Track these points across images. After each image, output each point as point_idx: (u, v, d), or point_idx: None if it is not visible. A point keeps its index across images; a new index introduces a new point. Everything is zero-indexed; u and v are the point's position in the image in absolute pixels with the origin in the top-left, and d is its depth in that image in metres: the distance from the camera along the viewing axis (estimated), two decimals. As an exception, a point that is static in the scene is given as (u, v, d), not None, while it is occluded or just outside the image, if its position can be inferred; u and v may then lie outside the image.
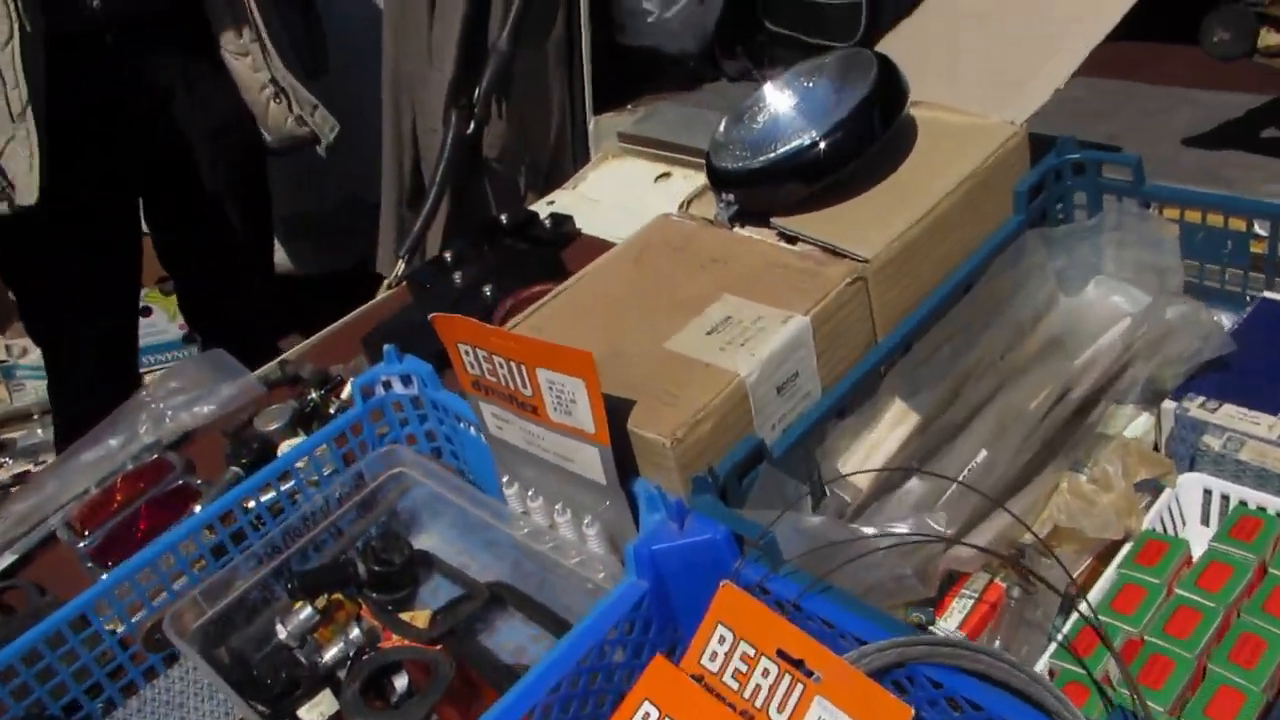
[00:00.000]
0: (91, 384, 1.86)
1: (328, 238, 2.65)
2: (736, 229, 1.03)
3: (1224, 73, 1.47)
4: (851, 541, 0.72)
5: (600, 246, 1.45)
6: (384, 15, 1.71)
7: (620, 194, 1.56)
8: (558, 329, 0.96)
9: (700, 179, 1.57)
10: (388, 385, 1.05)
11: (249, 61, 1.71)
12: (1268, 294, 0.99)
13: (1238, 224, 1.00)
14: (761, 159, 0.99)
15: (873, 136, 0.97)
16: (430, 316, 0.85)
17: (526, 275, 1.36)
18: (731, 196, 1.02)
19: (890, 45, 1.22)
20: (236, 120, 1.79)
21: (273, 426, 1.19)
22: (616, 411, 0.81)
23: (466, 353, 0.85)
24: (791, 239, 0.99)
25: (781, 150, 0.98)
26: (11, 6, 1.44)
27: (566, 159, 1.65)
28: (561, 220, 1.46)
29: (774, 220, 1.00)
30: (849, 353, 0.93)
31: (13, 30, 1.45)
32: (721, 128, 1.07)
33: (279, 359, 1.34)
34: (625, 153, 1.66)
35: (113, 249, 1.85)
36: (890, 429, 0.92)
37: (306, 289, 2.54)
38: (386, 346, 1.03)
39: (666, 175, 1.57)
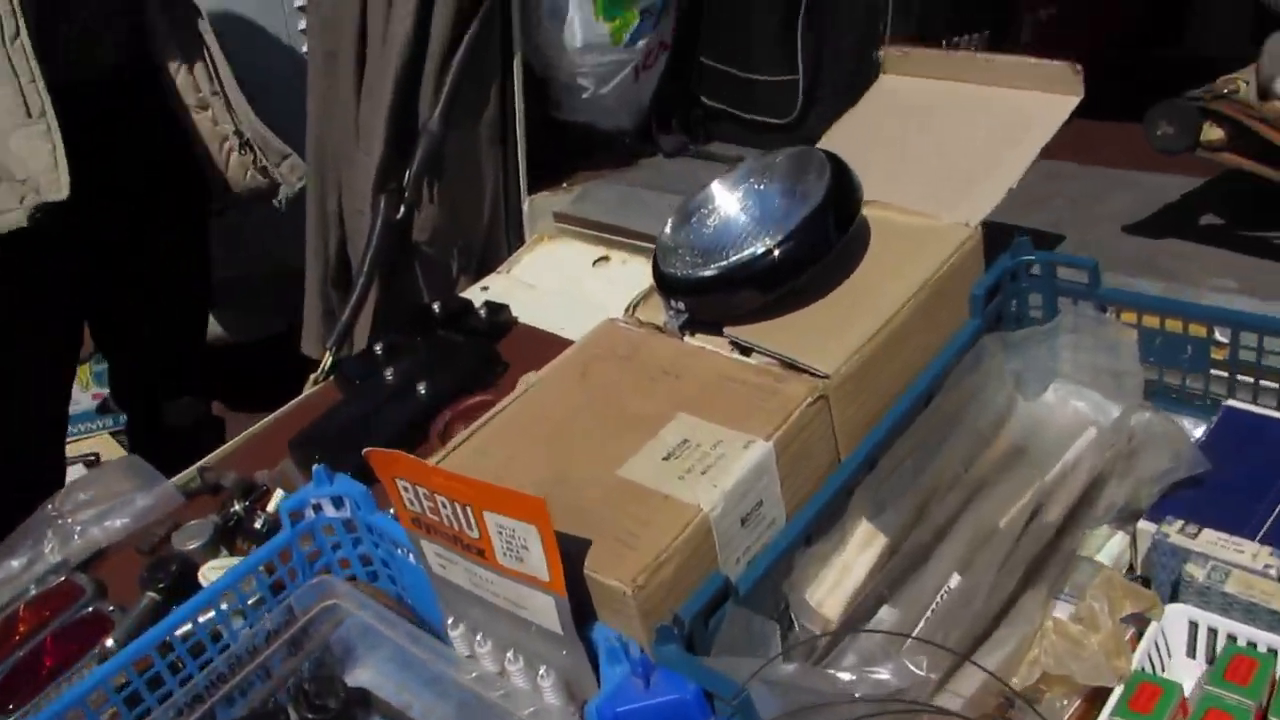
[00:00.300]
0: (15, 469, 1.74)
1: (255, 303, 2.55)
2: (687, 338, 0.98)
3: (1161, 156, 1.47)
4: (831, 705, 0.67)
5: (538, 337, 1.40)
6: (309, 87, 1.65)
7: (557, 278, 1.51)
8: (502, 451, 0.90)
9: (639, 263, 1.56)
10: (318, 508, 0.97)
11: (209, 115, 1.65)
12: (1231, 402, 0.98)
13: (1198, 330, 0.98)
14: (714, 267, 0.95)
15: (828, 244, 0.94)
16: (364, 452, 0.79)
17: (462, 370, 1.30)
18: (682, 304, 0.97)
19: (834, 139, 1.19)
20: (184, 179, 1.72)
21: (192, 545, 1.11)
22: (571, 553, 0.76)
23: (405, 489, 0.79)
24: (746, 350, 0.95)
25: (735, 258, 0.94)
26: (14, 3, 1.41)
27: (500, 240, 1.60)
28: (497, 309, 1.40)
29: (727, 329, 0.96)
30: (812, 474, 0.89)
31: (18, 25, 1.40)
32: (668, 229, 1.03)
33: (198, 465, 1.25)
34: (561, 233, 1.61)
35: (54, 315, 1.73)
36: (859, 552, 0.88)
37: (233, 356, 2.45)
38: (316, 466, 0.96)
39: (605, 259, 1.53)
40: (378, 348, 1.35)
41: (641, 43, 1.65)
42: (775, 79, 1.70)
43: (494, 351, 1.33)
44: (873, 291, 0.96)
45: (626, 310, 1.05)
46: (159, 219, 1.82)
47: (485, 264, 1.57)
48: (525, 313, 1.43)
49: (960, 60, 1.18)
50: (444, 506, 0.76)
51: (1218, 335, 0.98)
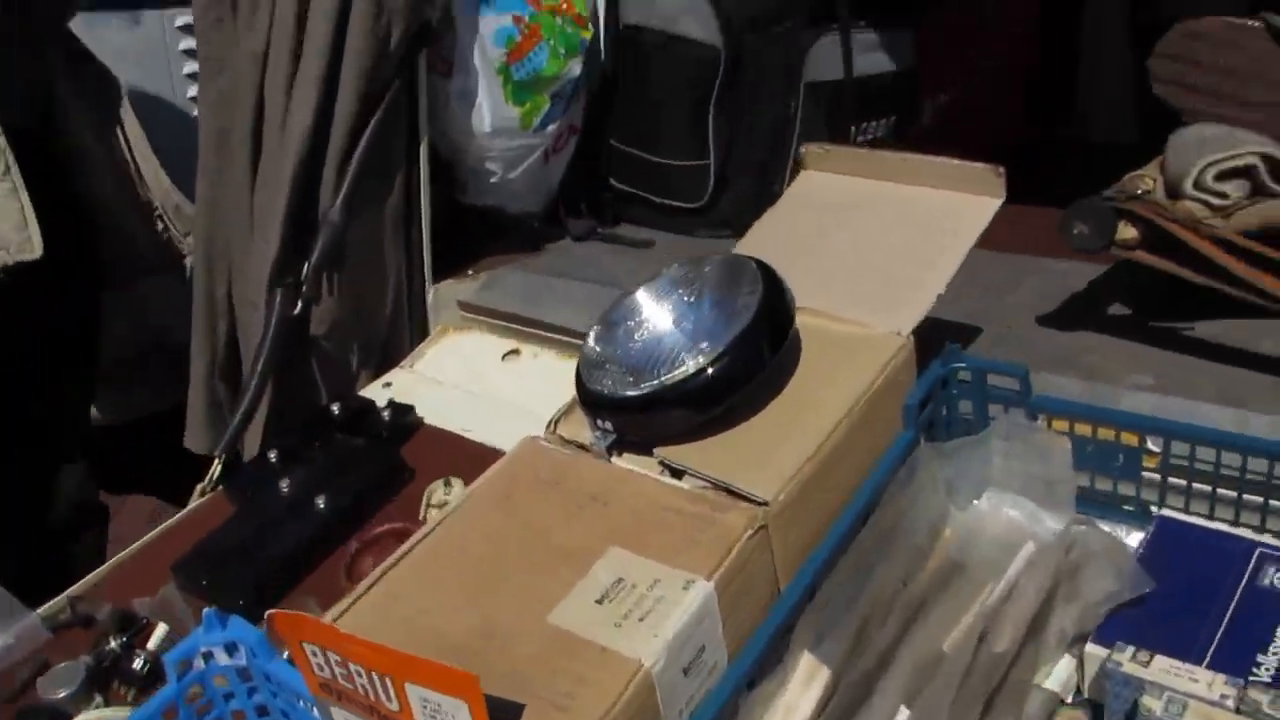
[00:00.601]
0: None
1: (133, 383, 2.39)
2: (615, 459, 0.92)
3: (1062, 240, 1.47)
4: None
5: (445, 440, 1.33)
6: (200, 165, 1.55)
7: (465, 374, 1.44)
8: (419, 597, 0.82)
9: (551, 357, 1.50)
10: (208, 656, 0.88)
11: (119, 182, 1.55)
12: (1165, 512, 0.96)
13: (1130, 438, 0.97)
14: (644, 386, 0.89)
15: (762, 362, 0.90)
16: (267, 615, 0.71)
17: (364, 479, 1.22)
18: (609, 424, 0.91)
19: (758, 238, 1.16)
20: (83, 248, 1.61)
21: (62, 693, 0.99)
22: (501, 721, 0.68)
23: (314, 654, 0.71)
24: (678, 472, 0.90)
25: (666, 377, 0.89)
26: None
27: (403, 332, 1.52)
28: (402, 410, 1.32)
29: (658, 451, 0.91)
30: (754, 609, 0.83)
31: None
32: (591, 341, 0.97)
33: (68, 594, 1.14)
34: (467, 324, 1.54)
35: None
36: (802, 689, 0.83)
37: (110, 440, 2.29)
38: (206, 610, 0.87)
39: (515, 352, 1.46)
40: (272, 455, 1.26)
41: (552, 127, 1.60)
42: (686, 163, 1.67)
43: (398, 458, 1.25)
44: (807, 407, 0.92)
45: (548, 427, 0.99)
46: (50, 287, 1.70)
47: (387, 358, 1.49)
48: (431, 412, 1.36)
49: (881, 158, 1.17)
50: (359, 675, 0.68)
51: (1150, 445, 0.97)
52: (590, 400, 0.93)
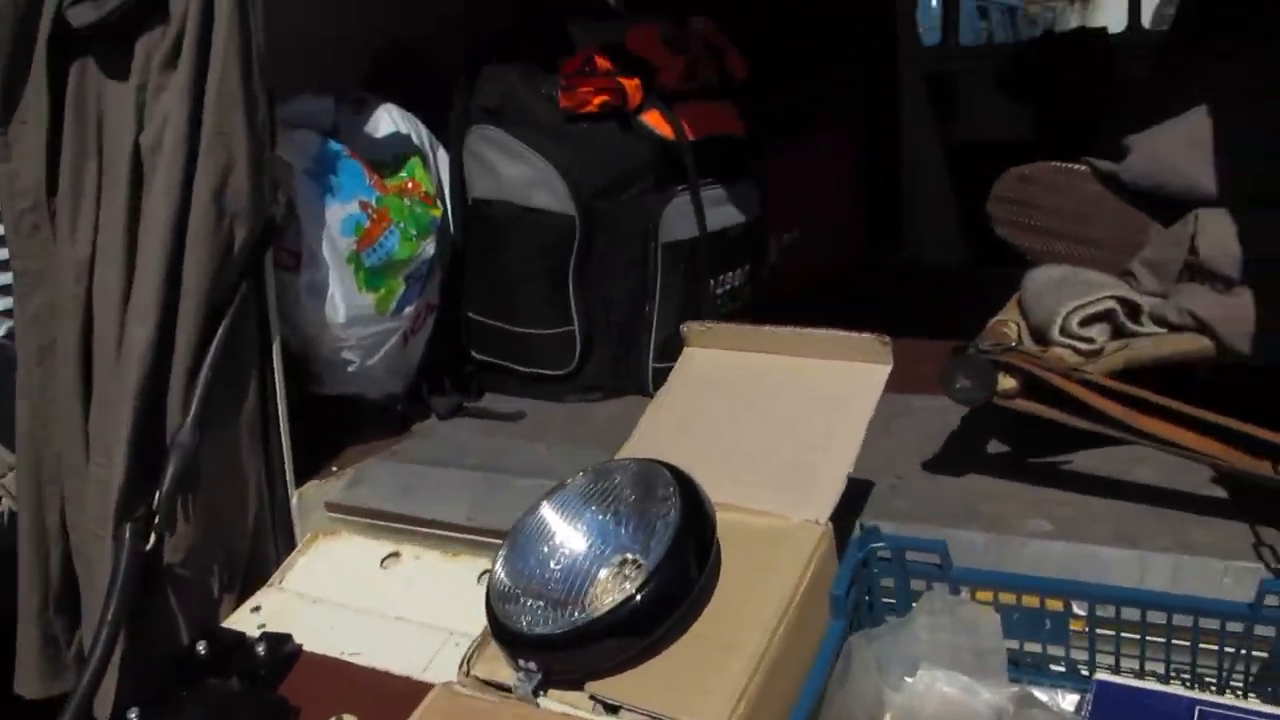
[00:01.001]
0: None
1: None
2: (543, 700, 0.85)
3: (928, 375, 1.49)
4: None
5: (330, 668, 1.21)
6: (19, 384, 1.41)
7: (341, 586, 1.33)
8: None
9: (435, 558, 1.40)
10: None
11: None
12: (1101, 676, 0.96)
13: (1054, 604, 0.97)
14: (570, 620, 0.83)
15: (691, 582, 0.85)
16: None
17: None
18: (532, 663, 0.84)
19: (653, 431, 1.13)
20: None
21: None
22: None
23: None
24: (613, 708, 0.83)
25: (593, 608, 0.83)
26: None
27: (268, 545, 1.40)
28: (278, 641, 1.21)
29: (589, 686, 0.84)
30: None
31: None
32: (499, 569, 0.91)
33: None
34: (338, 527, 1.44)
35: None
36: None
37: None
38: None
39: (394, 556, 1.37)
40: (132, 715, 1.12)
41: (409, 309, 1.55)
42: (549, 331, 1.64)
43: (278, 701, 1.13)
44: (739, 618, 0.88)
45: (461, 667, 0.90)
46: None
47: (253, 578, 1.37)
48: (310, 635, 1.24)
49: (764, 333, 1.16)
50: None
51: (1075, 609, 0.97)
52: (508, 638, 0.86)
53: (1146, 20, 4.26)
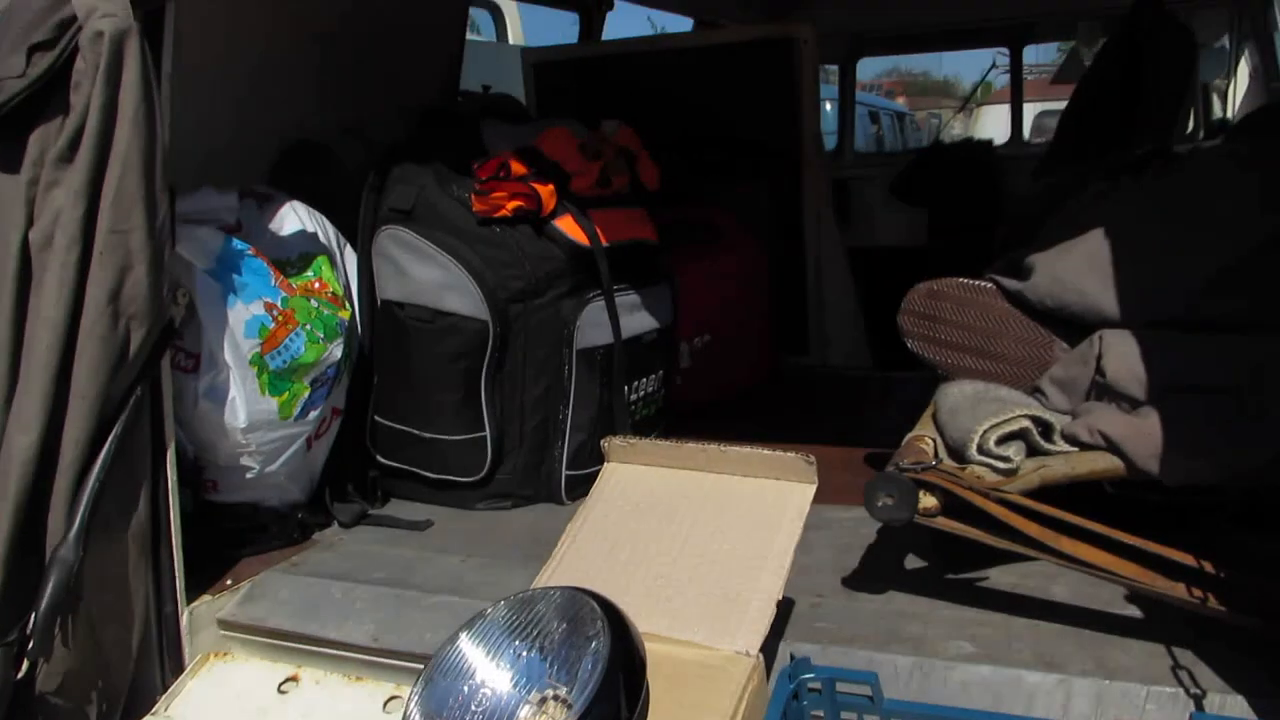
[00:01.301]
0: None
1: None
2: None
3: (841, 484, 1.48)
4: None
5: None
6: None
7: (233, 714, 1.24)
8: None
9: (337, 682, 1.31)
10: None
11: None
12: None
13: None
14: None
15: (625, 721, 0.81)
16: None
17: None
18: (454, 815, 0.79)
19: (577, 554, 1.09)
20: None
21: None
22: None
23: None
24: None
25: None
26: None
27: (153, 669, 1.30)
28: (162, 780, 1.11)
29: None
30: None
31: None
32: (414, 708, 0.85)
33: None
34: (232, 647, 1.35)
35: None
36: None
37: None
38: None
39: (293, 680, 1.28)
40: None
41: (314, 414, 1.48)
42: (461, 437, 1.60)
43: None
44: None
45: (372, 818, 0.84)
46: None
47: (136, 706, 1.26)
48: (199, 774, 1.15)
49: (687, 450, 1.14)
50: None
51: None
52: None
53: (1026, 131, 4.51)
